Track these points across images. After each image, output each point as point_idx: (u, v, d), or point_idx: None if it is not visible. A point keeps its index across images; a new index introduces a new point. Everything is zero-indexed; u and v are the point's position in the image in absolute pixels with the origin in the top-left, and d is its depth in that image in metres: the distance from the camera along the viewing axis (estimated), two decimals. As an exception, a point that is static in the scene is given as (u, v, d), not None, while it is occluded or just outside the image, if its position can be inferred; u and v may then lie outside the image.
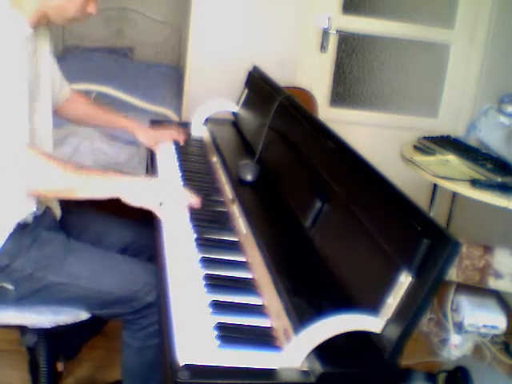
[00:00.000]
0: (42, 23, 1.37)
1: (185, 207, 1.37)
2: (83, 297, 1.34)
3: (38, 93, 1.38)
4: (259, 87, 1.96)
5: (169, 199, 1.35)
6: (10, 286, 1.31)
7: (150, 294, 1.32)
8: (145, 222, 1.44)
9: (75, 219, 1.57)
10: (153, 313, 1.33)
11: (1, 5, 1.28)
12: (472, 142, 2.25)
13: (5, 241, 1.30)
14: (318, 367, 0.87)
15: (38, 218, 1.38)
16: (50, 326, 1.35)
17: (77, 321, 1.37)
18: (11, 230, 1.31)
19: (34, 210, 1.36)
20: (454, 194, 2.71)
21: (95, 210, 1.62)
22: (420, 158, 2.10)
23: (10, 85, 1.23)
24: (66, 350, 1.76)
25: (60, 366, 1.76)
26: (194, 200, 1.36)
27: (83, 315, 1.37)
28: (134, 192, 1.31)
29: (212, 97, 2.06)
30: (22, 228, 1.33)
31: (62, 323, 1.35)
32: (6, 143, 1.22)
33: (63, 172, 1.25)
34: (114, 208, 1.48)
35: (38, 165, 1.24)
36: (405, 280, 0.90)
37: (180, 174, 1.63)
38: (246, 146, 1.81)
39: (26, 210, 1.35)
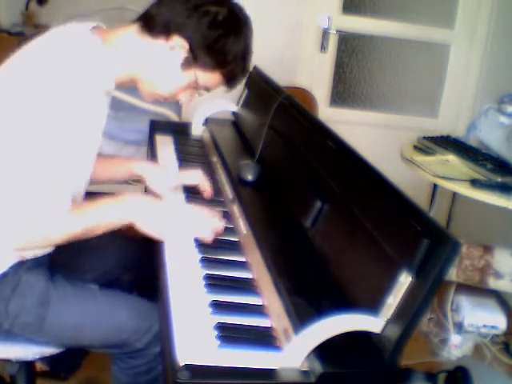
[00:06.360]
0: (125, 86, 1.30)
1: (209, 235, 1.24)
2: (67, 346, 1.29)
3: (89, 146, 1.30)
4: (259, 87, 1.96)
5: (190, 227, 1.24)
6: None
7: (139, 340, 1.22)
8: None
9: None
10: (143, 355, 1.24)
11: (102, 52, 1.20)
12: (472, 142, 2.25)
13: None
14: (318, 367, 0.87)
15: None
16: (33, 359, 1.30)
17: (63, 349, 1.31)
18: None
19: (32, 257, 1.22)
20: (454, 194, 2.72)
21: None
22: (420, 157, 2.10)
23: (69, 133, 1.12)
24: (59, 371, 1.73)
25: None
26: (217, 225, 1.25)
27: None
28: (148, 217, 1.18)
29: (212, 97, 2.05)
30: (3, 276, 1.18)
31: (47, 354, 1.29)
32: (24, 196, 1.07)
33: (68, 230, 1.12)
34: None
35: (45, 226, 1.10)
36: (405, 280, 0.90)
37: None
38: (246, 146, 1.80)
39: (14, 260, 1.20)
